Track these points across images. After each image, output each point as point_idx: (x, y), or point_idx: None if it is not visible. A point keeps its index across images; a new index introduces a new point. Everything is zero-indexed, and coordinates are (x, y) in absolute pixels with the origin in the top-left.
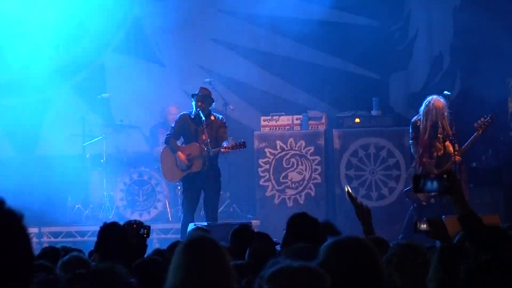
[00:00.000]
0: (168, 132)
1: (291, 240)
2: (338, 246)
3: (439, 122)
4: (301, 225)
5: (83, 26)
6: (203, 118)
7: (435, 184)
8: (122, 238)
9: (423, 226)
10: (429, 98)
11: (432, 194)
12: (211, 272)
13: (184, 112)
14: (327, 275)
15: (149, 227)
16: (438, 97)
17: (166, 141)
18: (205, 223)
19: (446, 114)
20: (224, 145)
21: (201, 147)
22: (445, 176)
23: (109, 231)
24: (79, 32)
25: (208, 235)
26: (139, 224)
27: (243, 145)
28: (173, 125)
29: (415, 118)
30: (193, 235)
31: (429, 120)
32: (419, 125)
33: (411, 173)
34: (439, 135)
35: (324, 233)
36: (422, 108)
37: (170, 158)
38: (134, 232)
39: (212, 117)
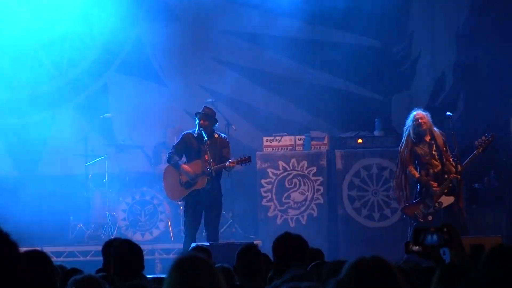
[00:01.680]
0: (170, 150)
1: (282, 263)
2: (359, 265)
3: (428, 135)
4: (287, 247)
5: (86, 46)
6: (206, 138)
7: (435, 237)
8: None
9: (415, 247)
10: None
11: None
12: None
13: (187, 131)
14: None
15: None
16: (416, 110)
17: (169, 159)
18: (207, 243)
19: (426, 122)
20: (230, 160)
21: (203, 165)
22: (445, 229)
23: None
24: (81, 52)
25: (198, 253)
26: None
27: (248, 159)
28: (175, 143)
29: (405, 135)
30: (184, 253)
31: (412, 133)
32: (407, 141)
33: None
34: (434, 152)
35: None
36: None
37: (173, 176)
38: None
39: (216, 136)
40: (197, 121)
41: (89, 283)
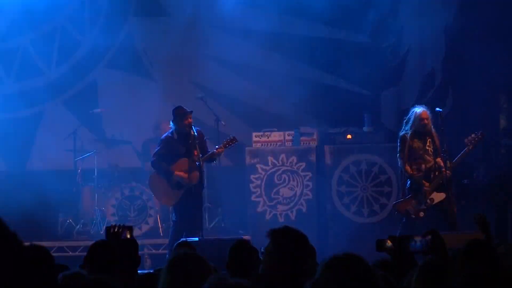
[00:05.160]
0: (153, 158)
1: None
2: (334, 263)
3: (426, 132)
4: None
5: (75, 41)
6: (195, 134)
7: (419, 244)
8: (111, 255)
9: (386, 244)
10: (412, 109)
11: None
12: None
13: (166, 135)
14: None
15: (130, 227)
16: (419, 106)
17: (156, 166)
18: (196, 238)
19: (428, 122)
20: (216, 147)
21: (191, 161)
22: (429, 236)
23: (100, 248)
24: (71, 47)
25: (192, 252)
26: (121, 229)
27: (234, 140)
28: (157, 148)
29: (403, 132)
30: (178, 252)
31: (411, 129)
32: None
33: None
34: (427, 147)
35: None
36: (405, 119)
37: (161, 182)
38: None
39: (192, 132)
40: (181, 120)
41: (77, 279)
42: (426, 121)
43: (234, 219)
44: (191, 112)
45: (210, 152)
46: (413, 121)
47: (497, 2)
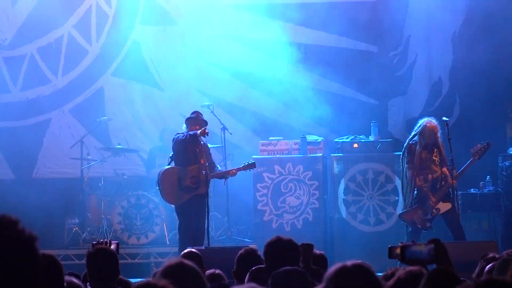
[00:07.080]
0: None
1: (273, 268)
2: (341, 271)
3: (434, 143)
4: (279, 251)
5: (82, 49)
6: (202, 142)
7: (422, 252)
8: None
9: (398, 252)
10: (421, 121)
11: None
12: None
13: (179, 134)
14: None
15: (118, 243)
16: (430, 119)
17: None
18: (203, 247)
19: (439, 135)
20: (234, 169)
21: (201, 169)
22: (432, 245)
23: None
24: (78, 55)
25: (185, 261)
26: (109, 242)
27: (253, 165)
28: (173, 151)
29: (410, 142)
30: (171, 260)
31: (421, 140)
32: (415, 149)
33: (408, 193)
34: (434, 157)
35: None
36: (415, 130)
37: (171, 179)
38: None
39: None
40: (193, 126)
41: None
42: (438, 135)
43: (241, 228)
44: (203, 121)
45: (225, 171)
46: (425, 134)
47: (503, 11)
